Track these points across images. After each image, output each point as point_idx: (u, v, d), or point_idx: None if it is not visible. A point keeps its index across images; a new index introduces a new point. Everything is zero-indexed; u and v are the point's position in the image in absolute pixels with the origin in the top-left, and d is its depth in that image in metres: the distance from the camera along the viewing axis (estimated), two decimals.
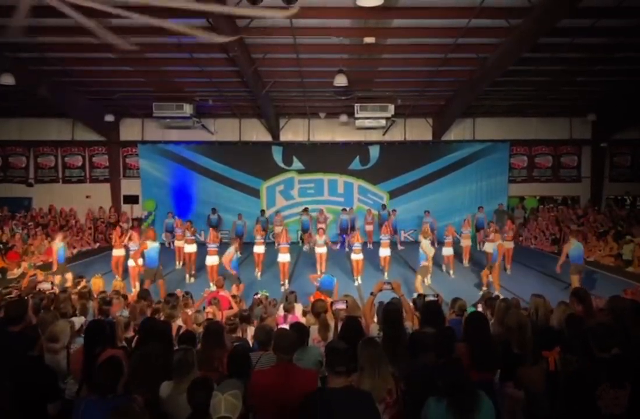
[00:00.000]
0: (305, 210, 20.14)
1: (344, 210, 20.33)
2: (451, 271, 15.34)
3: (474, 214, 19.42)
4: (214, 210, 19.82)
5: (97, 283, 10.95)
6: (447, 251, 15.38)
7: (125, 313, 7.45)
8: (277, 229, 18.63)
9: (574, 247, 12.57)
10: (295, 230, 20.29)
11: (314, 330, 6.22)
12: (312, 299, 10.17)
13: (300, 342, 4.80)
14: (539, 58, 13.70)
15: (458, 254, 16.37)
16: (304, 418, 3.48)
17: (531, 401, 4.24)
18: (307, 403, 3.49)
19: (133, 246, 13.55)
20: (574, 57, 14.02)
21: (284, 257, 14.27)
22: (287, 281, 14.24)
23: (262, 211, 20.10)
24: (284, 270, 14.28)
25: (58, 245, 13.05)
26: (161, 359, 4.24)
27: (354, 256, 14.71)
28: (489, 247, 15.03)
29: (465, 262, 16.87)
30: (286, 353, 4.12)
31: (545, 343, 4.61)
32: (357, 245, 14.61)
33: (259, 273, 15.38)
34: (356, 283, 14.30)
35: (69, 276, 12.57)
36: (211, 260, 13.82)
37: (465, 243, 16.74)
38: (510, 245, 15.69)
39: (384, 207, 20.36)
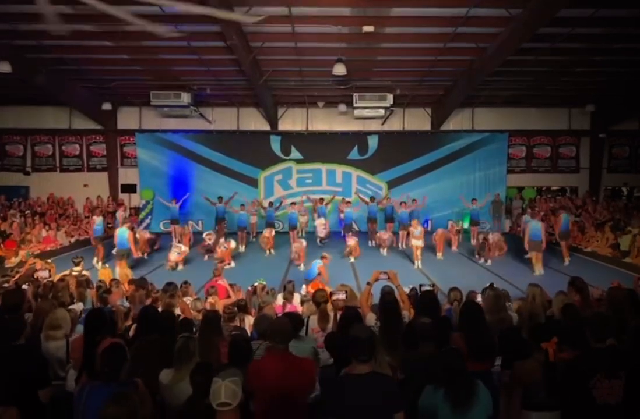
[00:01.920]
0: (322, 199, 20.00)
1: (349, 202, 19.73)
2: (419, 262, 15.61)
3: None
4: (220, 199, 19.23)
5: (105, 274, 10.97)
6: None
7: (126, 303, 7.49)
8: (302, 219, 18.98)
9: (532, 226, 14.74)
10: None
11: (312, 320, 6.23)
12: (309, 288, 10.22)
13: (294, 331, 4.78)
14: (538, 48, 13.64)
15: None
16: (328, 402, 3.53)
17: (527, 391, 4.26)
18: (330, 388, 3.55)
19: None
20: (574, 47, 13.97)
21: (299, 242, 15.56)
22: (302, 263, 14.96)
23: (271, 203, 19.87)
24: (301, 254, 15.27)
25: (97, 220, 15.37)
26: (162, 347, 4.26)
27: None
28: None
29: (454, 248, 17.53)
30: (280, 341, 4.12)
31: (543, 334, 4.63)
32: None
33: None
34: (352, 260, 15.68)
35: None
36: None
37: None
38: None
39: (372, 199, 19.53)
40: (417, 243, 15.39)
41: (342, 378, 3.73)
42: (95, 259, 14.85)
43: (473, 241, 17.84)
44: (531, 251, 14.61)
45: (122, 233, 13.86)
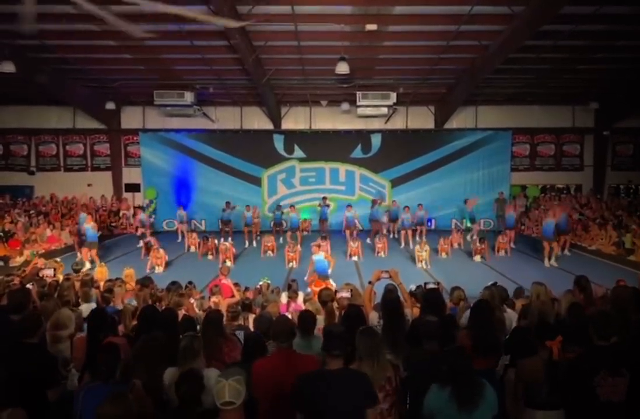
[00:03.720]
0: (324, 199, 19.95)
1: (349, 206, 19.46)
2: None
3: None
4: (227, 204, 18.86)
5: (101, 272, 10.97)
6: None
7: (134, 302, 7.51)
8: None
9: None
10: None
11: (319, 319, 6.22)
12: (312, 286, 10.23)
13: (303, 330, 4.73)
14: (541, 45, 13.60)
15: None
16: (298, 398, 3.51)
17: (531, 390, 4.26)
18: (301, 383, 3.53)
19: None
20: (576, 44, 13.93)
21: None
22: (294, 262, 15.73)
23: (279, 206, 19.65)
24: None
25: (87, 226, 14.88)
26: (164, 345, 4.26)
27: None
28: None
29: (455, 245, 17.72)
30: (283, 340, 4.12)
31: (548, 333, 4.63)
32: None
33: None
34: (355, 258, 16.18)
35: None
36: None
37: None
38: None
39: (374, 202, 19.31)
40: (422, 254, 15.37)
41: (313, 374, 3.70)
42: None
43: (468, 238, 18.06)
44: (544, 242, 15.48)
45: (90, 229, 14.84)
